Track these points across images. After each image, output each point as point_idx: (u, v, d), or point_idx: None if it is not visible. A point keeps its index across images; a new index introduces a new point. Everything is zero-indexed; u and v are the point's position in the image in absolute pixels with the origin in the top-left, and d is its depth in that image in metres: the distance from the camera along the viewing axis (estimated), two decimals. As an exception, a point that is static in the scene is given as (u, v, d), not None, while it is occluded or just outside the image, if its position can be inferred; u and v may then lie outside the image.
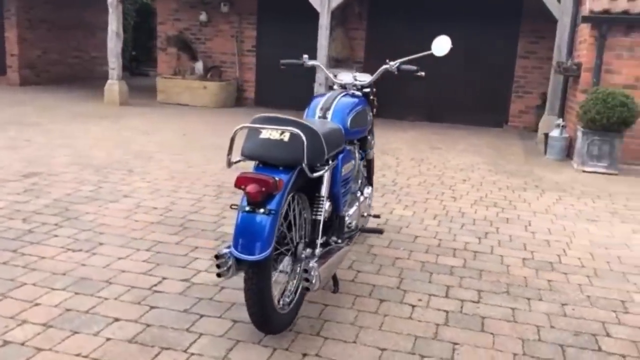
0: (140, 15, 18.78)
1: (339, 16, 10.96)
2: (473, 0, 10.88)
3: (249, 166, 2.69)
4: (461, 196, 5.71)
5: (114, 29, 11.29)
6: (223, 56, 12.73)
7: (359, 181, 3.60)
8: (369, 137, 3.67)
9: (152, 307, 2.98)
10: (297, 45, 12.02)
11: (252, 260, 2.36)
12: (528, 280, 3.65)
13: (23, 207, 4.52)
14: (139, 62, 19.10)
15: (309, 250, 2.71)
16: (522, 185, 6.35)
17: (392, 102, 10.51)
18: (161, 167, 6.20)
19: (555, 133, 8.10)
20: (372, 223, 4.32)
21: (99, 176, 5.60)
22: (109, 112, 10.38)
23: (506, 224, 4.84)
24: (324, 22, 10.15)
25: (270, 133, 2.50)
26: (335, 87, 3.63)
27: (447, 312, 3.14)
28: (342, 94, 3.34)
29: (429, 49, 3.57)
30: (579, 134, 7.42)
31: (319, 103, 3.21)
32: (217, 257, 2.48)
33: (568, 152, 8.08)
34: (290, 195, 2.55)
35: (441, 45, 3.51)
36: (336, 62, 11.37)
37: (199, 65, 12.42)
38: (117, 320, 2.84)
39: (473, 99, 11.42)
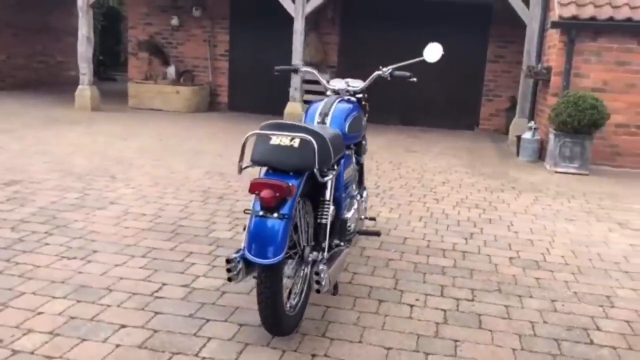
0: (108, 19, 18.53)
1: (312, 21, 11.04)
2: (444, 6, 11.10)
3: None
4: (443, 198, 5.85)
5: (85, 34, 11.13)
6: (195, 61, 12.68)
7: (353, 185, 3.67)
8: (363, 142, 3.75)
9: (156, 313, 3.00)
10: (270, 50, 12.11)
11: (266, 264, 2.41)
12: (517, 278, 3.79)
13: (9, 215, 4.46)
14: (106, 66, 18.84)
15: (315, 254, 2.78)
16: (500, 186, 6.53)
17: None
18: (143, 173, 6.17)
19: (527, 135, 8.34)
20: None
21: (82, 183, 5.54)
22: (81, 117, 10.23)
23: (489, 225, 4.98)
24: (299, 27, 10.22)
25: (280, 139, 2.56)
26: (328, 93, 3.70)
27: (444, 310, 3.24)
28: (338, 100, 3.41)
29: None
30: (551, 136, 7.66)
31: (317, 109, 3.28)
32: (227, 261, 2.53)
33: (540, 154, 8.32)
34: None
35: (432, 52, 3.61)
36: (310, 67, 11.44)
37: (171, 70, 12.34)
38: (123, 326, 2.84)
39: (445, 103, 11.65)
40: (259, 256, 2.41)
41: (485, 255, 4.20)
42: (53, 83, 15.48)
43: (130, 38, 13.09)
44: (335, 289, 3.17)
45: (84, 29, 11.10)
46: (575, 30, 7.90)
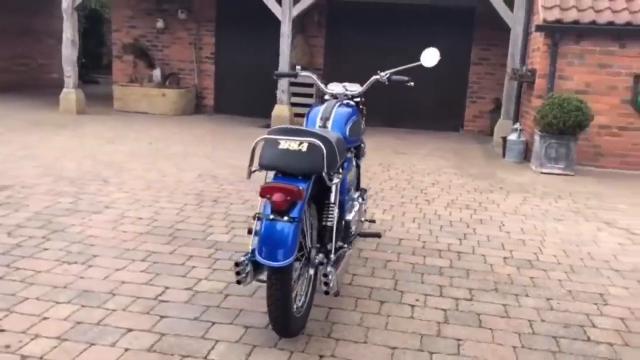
0: (90, 22, 18.38)
1: (298, 24, 11.09)
2: (428, 9, 11.22)
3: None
4: (434, 199, 5.93)
5: (69, 36, 11.05)
6: (181, 63, 12.65)
7: (353, 188, 3.73)
8: (362, 146, 3.81)
9: (162, 317, 3.02)
10: (257, 53, 12.14)
11: (277, 267, 2.45)
12: (512, 277, 3.87)
13: (4, 220, 4.43)
14: (88, 69, 18.69)
15: (320, 256, 2.82)
16: (488, 187, 6.64)
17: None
18: (135, 177, 6.16)
19: (513, 137, 8.48)
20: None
21: (74, 187, 5.52)
22: (66, 121, 10.15)
23: (481, 225, 5.07)
24: (286, 30, 10.27)
25: (289, 144, 2.60)
26: (326, 97, 3.74)
27: (444, 310, 3.31)
28: (338, 104, 3.46)
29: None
30: (537, 137, 7.80)
31: (318, 113, 3.32)
32: (237, 264, 2.56)
33: (525, 155, 8.46)
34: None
35: (429, 57, 3.68)
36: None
37: (156, 73, 12.30)
38: (130, 330, 2.86)
39: (430, 105, 11.78)
40: (270, 259, 2.45)
41: (480, 255, 4.28)
42: (34, 86, 15.32)
43: (114, 41, 13.02)
44: (337, 290, 3.22)
45: (69, 31, 11.03)
46: (559, 33, 8.06)
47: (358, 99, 3.77)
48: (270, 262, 2.45)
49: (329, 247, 2.85)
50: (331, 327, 3.01)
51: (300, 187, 2.48)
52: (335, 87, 3.77)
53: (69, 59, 11.12)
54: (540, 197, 6.27)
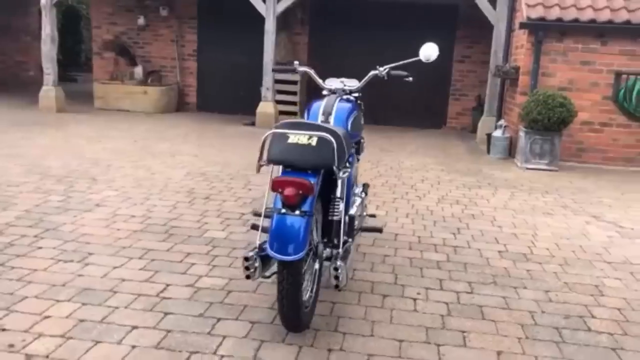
0: (67, 19, 18.09)
1: (281, 21, 11.05)
2: (411, 7, 11.28)
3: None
4: (424, 195, 5.97)
5: (48, 33, 10.88)
6: (163, 61, 12.53)
7: (355, 182, 3.73)
8: (362, 141, 3.81)
9: (166, 314, 2.99)
10: (239, 50, 12.08)
11: (289, 261, 2.44)
12: (509, 270, 3.91)
13: (-7, 219, 4.35)
14: (66, 66, 18.39)
15: (328, 250, 2.82)
16: (476, 183, 6.70)
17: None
18: (124, 175, 6.08)
19: (497, 133, 8.57)
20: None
21: (63, 185, 5.44)
22: (47, 119, 9.99)
23: (474, 220, 5.12)
24: (270, 27, 10.23)
25: (298, 138, 2.59)
26: (324, 92, 3.72)
27: (447, 303, 3.33)
28: (338, 99, 3.45)
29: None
30: (522, 133, 7.90)
31: (319, 107, 3.31)
32: (246, 259, 2.55)
33: (510, 151, 8.56)
34: (312, 198, 2.65)
35: (428, 52, 3.69)
36: (280, 66, 11.47)
37: (138, 70, 12.16)
38: (135, 328, 2.83)
39: (413, 102, 11.83)
40: (282, 253, 2.44)
41: (476, 249, 4.32)
42: (11, 83, 15.01)
43: (94, 38, 12.83)
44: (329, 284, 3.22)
45: (48, 28, 10.86)
46: (543, 31, 8.16)
47: (357, 95, 3.76)
48: (282, 257, 2.44)
49: (335, 241, 2.85)
50: (337, 322, 3.01)
51: (312, 181, 2.47)
52: (333, 83, 3.76)
53: (48, 55, 10.95)
54: (527, 193, 6.35)
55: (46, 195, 5.06)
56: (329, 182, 2.86)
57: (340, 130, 2.81)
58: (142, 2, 12.24)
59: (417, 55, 3.65)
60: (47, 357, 2.53)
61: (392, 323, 3.04)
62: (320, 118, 3.27)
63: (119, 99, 11.74)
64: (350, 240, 3.11)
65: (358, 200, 3.43)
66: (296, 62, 3.83)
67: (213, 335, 2.80)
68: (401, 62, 3.72)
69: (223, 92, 12.40)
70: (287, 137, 2.62)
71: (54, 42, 10.95)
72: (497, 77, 9.50)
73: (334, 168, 2.58)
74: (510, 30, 9.52)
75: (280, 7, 10.18)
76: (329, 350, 2.73)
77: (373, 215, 4.27)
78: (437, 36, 11.44)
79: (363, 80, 3.74)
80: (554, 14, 8.13)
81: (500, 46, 9.63)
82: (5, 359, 2.51)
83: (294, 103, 11.74)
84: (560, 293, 3.57)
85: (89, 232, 4.19)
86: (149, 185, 5.66)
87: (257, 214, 3.43)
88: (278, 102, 10.90)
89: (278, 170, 2.84)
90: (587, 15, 8.10)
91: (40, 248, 3.81)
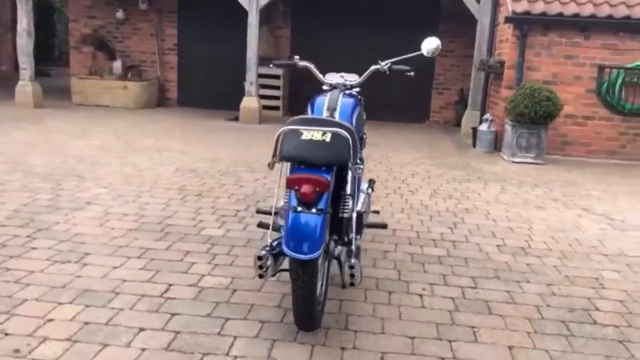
0: (40, 12, 17.66)
1: (263, 15, 10.94)
2: (394, 1, 11.27)
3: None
4: (417, 190, 5.97)
5: (25, 27, 10.61)
6: (143, 55, 12.33)
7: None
8: (364, 137, 3.77)
9: (172, 315, 2.93)
10: (221, 44, 11.94)
11: (305, 259, 2.40)
12: (510, 264, 3.93)
13: (-18, 219, 4.22)
14: (39, 60, 17.97)
15: (340, 248, 2.78)
16: (466, 177, 6.73)
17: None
18: (111, 172, 5.96)
19: (483, 127, 8.62)
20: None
21: (50, 184, 5.30)
22: (24, 115, 9.74)
23: (468, 214, 5.13)
24: (253, 20, 10.13)
25: (312, 134, 2.54)
26: (324, 87, 3.67)
27: (453, 299, 3.32)
28: (342, 94, 3.41)
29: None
30: (508, 127, 7.95)
31: (323, 103, 3.25)
32: (259, 258, 2.50)
33: (495, 145, 8.62)
34: (324, 195, 2.60)
35: (430, 46, 3.67)
36: (262, 61, 11.35)
37: (117, 65, 11.95)
38: (142, 329, 2.76)
39: (397, 97, 11.81)
40: (298, 252, 2.40)
41: (474, 243, 4.33)
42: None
43: (71, 32, 12.56)
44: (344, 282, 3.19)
45: (24, 21, 10.59)
46: (528, 25, 8.22)
47: (358, 89, 3.72)
48: (299, 255, 2.40)
49: (346, 239, 2.82)
50: (346, 319, 2.99)
51: (328, 178, 2.43)
52: (333, 77, 3.71)
53: (24, 50, 10.68)
54: (517, 186, 6.40)
55: (34, 194, 4.93)
56: (339, 179, 2.81)
57: (351, 126, 2.77)
58: (120, -5, 12.03)
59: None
60: (55, 362, 2.46)
61: (402, 319, 3.02)
62: (325, 114, 3.21)
63: (98, 94, 11.52)
64: (358, 237, 3.08)
65: (366, 197, 3.40)
66: (296, 57, 3.77)
67: (223, 336, 2.74)
68: (402, 57, 3.70)
69: (204, 86, 12.26)
70: (301, 134, 2.56)
71: (30, 36, 10.68)
72: (481, 71, 9.55)
73: (350, 164, 2.54)
74: (494, 24, 9.57)
75: (264, 1, 10.08)
76: (342, 348, 2.70)
77: (377, 211, 4.25)
78: (421, 30, 11.48)
79: (364, 75, 3.70)
80: (538, 8, 8.19)
81: (484, 40, 9.69)
82: (11, 364, 2.43)
83: (277, 97, 11.67)
84: (562, 286, 3.60)
85: (82, 231, 4.08)
86: (139, 183, 5.56)
87: (261, 212, 3.39)
88: (261, 96, 10.80)
89: (287, 167, 2.80)
90: (571, 9, 8.18)
91: (34, 249, 3.70)
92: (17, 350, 2.51)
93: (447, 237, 4.46)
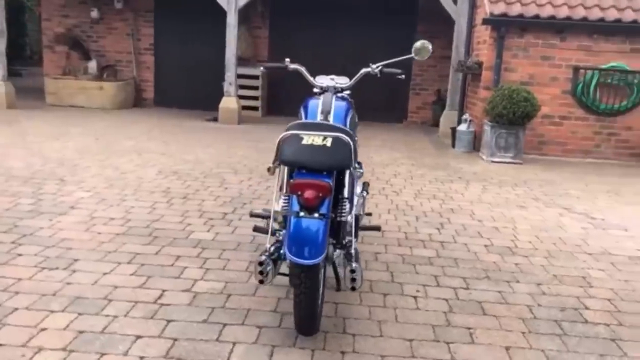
0: (11, 11, 17.26)
1: (242, 15, 10.88)
2: (371, 2, 11.32)
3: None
4: (401, 190, 6.00)
5: (-4, 26, 10.36)
6: (118, 55, 12.15)
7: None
8: (356, 139, 3.77)
9: (168, 321, 2.89)
10: (198, 44, 11.86)
11: (308, 265, 2.39)
12: (498, 265, 3.98)
13: (-37, 225, 4.11)
14: (9, 60, 17.57)
15: (338, 252, 2.78)
16: (447, 177, 6.80)
17: (297, 101, 10.68)
18: (93, 174, 5.86)
19: (462, 127, 8.71)
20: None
21: (30, 187, 5.19)
22: (-2, 116, 9.53)
23: (453, 214, 5.18)
24: (232, 20, 10.06)
25: (312, 139, 2.53)
26: (315, 90, 3.67)
27: (446, 300, 3.35)
28: (334, 97, 3.41)
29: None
30: (487, 127, 8.05)
31: (317, 106, 3.24)
32: (260, 264, 2.49)
33: (474, 145, 8.72)
34: (323, 199, 2.60)
35: (421, 50, 3.70)
36: (240, 61, 11.29)
37: (92, 65, 11.76)
38: (139, 337, 2.72)
39: (374, 97, 11.85)
40: (301, 257, 2.39)
41: (462, 244, 4.37)
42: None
43: (44, 31, 12.32)
44: (338, 285, 3.19)
45: (-4, 20, 10.34)
46: (505, 26, 8.33)
47: (348, 92, 3.73)
48: (301, 260, 2.39)
49: (343, 242, 2.82)
50: (344, 323, 2.99)
51: (330, 183, 2.43)
52: (324, 80, 3.71)
53: (-4, 49, 10.43)
54: (498, 186, 6.48)
55: (15, 199, 4.82)
56: (336, 182, 2.81)
57: (350, 130, 2.78)
58: (95, -6, 11.83)
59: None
60: (52, 372, 2.41)
61: (398, 322, 3.04)
62: (319, 117, 3.21)
63: (73, 95, 11.32)
64: (355, 239, 3.08)
65: (361, 199, 3.41)
66: (287, 60, 3.75)
67: (222, 342, 2.72)
68: (393, 60, 3.72)
69: (181, 87, 12.15)
70: (301, 139, 2.56)
71: (2, 35, 10.46)
72: (459, 72, 9.64)
73: (351, 169, 2.54)
74: (471, 25, 9.68)
75: (242, 1, 10.02)
76: (342, 352, 2.70)
77: (369, 214, 4.26)
78: (399, 31, 11.63)
79: (354, 78, 3.71)
80: (515, 10, 8.31)
81: (461, 41, 9.78)
82: (6, 376, 2.37)
83: (255, 98, 11.62)
84: (551, 286, 3.66)
85: (68, 236, 4.01)
86: (122, 185, 5.48)
87: (255, 215, 3.37)
88: (239, 97, 10.74)
89: (284, 171, 2.79)
90: (547, 11, 8.31)
91: (20, 255, 3.62)
92: (12, 362, 2.45)
93: (435, 237, 4.49)
